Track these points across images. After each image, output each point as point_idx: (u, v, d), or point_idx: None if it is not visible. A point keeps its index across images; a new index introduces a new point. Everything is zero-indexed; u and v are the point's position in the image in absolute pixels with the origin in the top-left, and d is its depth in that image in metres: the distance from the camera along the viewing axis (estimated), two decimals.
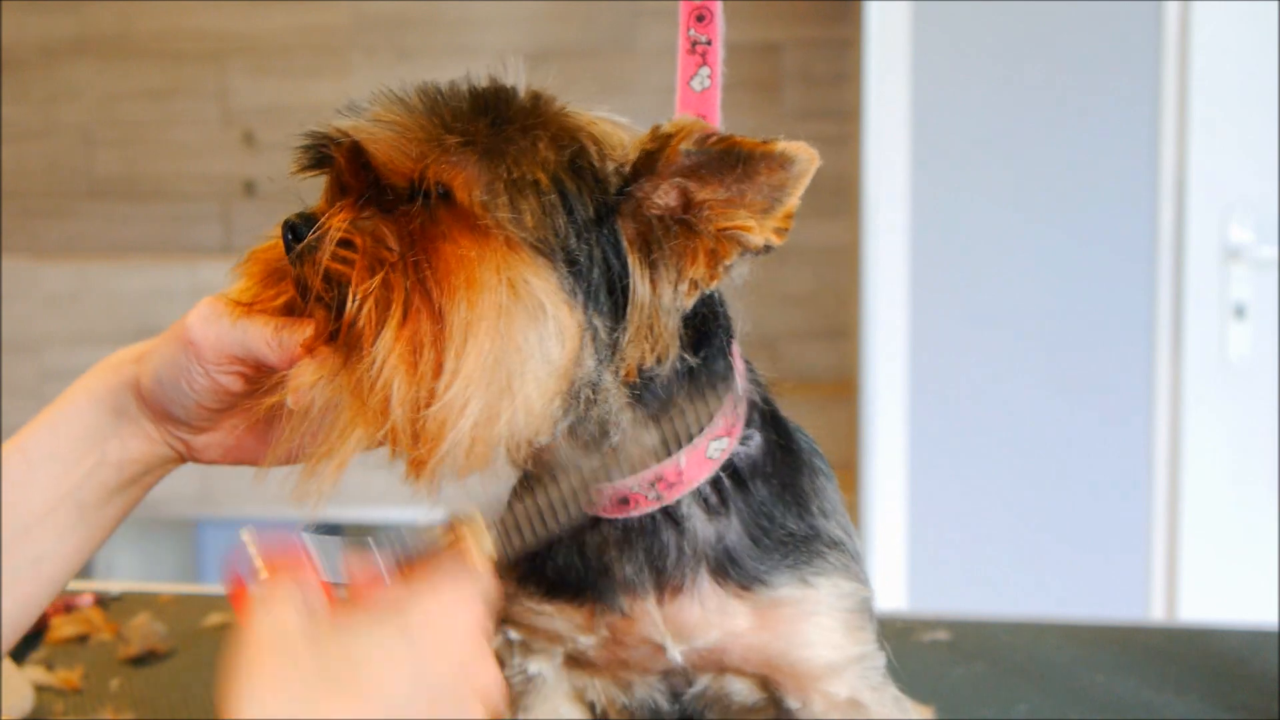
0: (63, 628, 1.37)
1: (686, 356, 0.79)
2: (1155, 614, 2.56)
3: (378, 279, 0.73)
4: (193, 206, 3.88)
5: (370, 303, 0.73)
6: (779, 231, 0.76)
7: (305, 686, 0.62)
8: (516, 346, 0.72)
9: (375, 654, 0.65)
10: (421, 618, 0.67)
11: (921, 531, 2.62)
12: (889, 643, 1.33)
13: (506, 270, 0.72)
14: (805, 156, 0.75)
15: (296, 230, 0.76)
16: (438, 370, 0.72)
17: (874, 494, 2.62)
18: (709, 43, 0.84)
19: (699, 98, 0.84)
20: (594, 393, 0.76)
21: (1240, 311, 2.50)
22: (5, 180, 3.98)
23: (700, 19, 0.84)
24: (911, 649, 1.33)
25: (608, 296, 0.75)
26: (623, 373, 0.77)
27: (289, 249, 0.77)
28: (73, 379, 0.87)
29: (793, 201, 0.75)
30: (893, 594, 2.64)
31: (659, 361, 0.78)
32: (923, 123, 2.54)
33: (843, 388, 3.38)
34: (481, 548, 0.73)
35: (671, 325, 0.77)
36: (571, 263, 0.74)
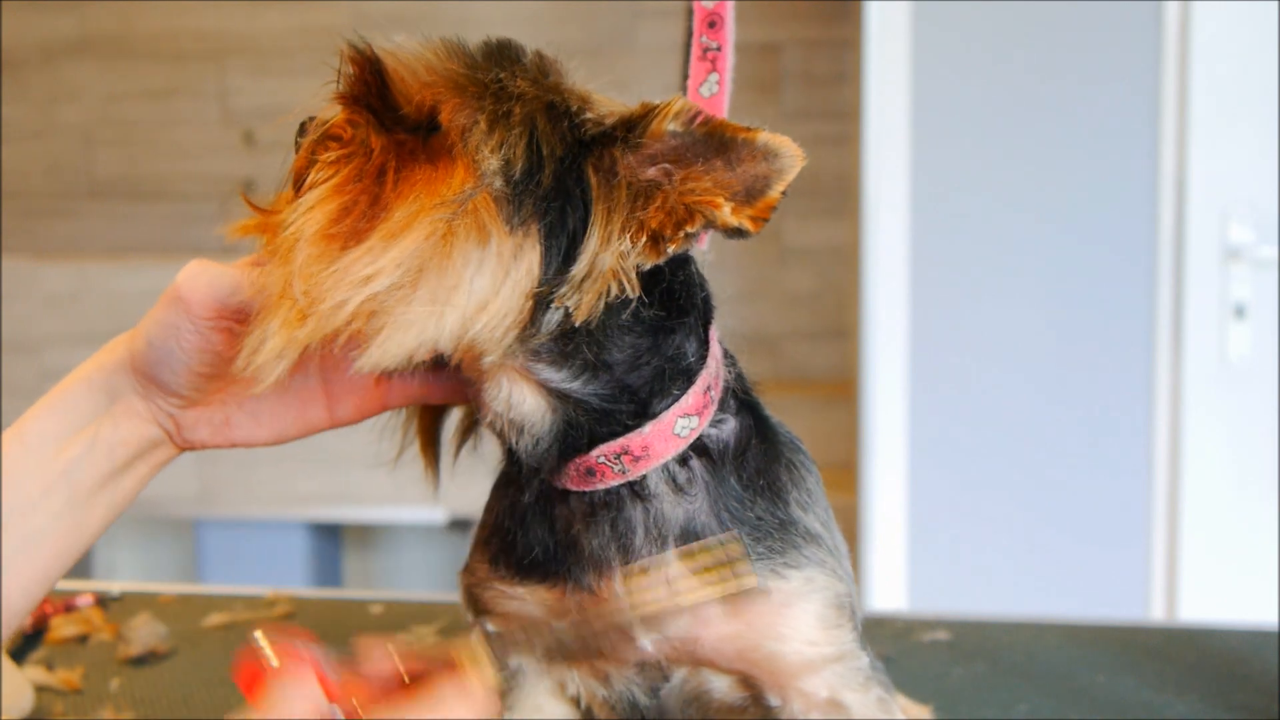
0: (63, 628, 1.37)
1: (654, 324, 0.79)
2: (1155, 614, 2.57)
3: (340, 155, 0.76)
4: (193, 206, 3.89)
5: (323, 171, 0.76)
6: (755, 220, 0.76)
7: None
8: (450, 260, 0.73)
9: None
10: None
11: (921, 531, 2.63)
12: (889, 643, 1.34)
13: (464, 193, 0.74)
14: (790, 152, 0.74)
15: (304, 129, 0.80)
16: (355, 237, 0.73)
17: (874, 494, 2.62)
18: (719, 48, 0.85)
19: (707, 103, 0.84)
20: (536, 328, 0.76)
21: (1240, 311, 2.50)
22: (5, 180, 3.98)
23: (711, 25, 0.85)
24: (911, 649, 1.33)
25: (567, 238, 0.76)
26: (576, 317, 0.76)
27: (297, 146, 0.80)
28: None
29: (775, 194, 0.75)
30: (893, 594, 2.64)
31: (607, 315, 0.77)
32: (923, 123, 2.54)
33: (843, 388, 3.38)
34: (481, 673, 0.72)
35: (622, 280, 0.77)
36: (530, 199, 0.75)
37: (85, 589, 1.46)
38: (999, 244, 2.56)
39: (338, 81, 0.80)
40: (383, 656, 0.73)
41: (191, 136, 3.93)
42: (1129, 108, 2.49)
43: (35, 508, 0.84)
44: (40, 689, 1.24)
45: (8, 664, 1.23)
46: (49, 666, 1.28)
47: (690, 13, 0.86)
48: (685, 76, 0.87)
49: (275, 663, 0.71)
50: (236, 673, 0.71)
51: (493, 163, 0.74)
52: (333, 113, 0.79)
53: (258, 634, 0.72)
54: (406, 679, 0.73)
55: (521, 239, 0.74)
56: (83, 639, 1.36)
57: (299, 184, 0.78)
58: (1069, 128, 2.51)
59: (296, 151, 0.80)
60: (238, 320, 0.81)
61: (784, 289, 3.74)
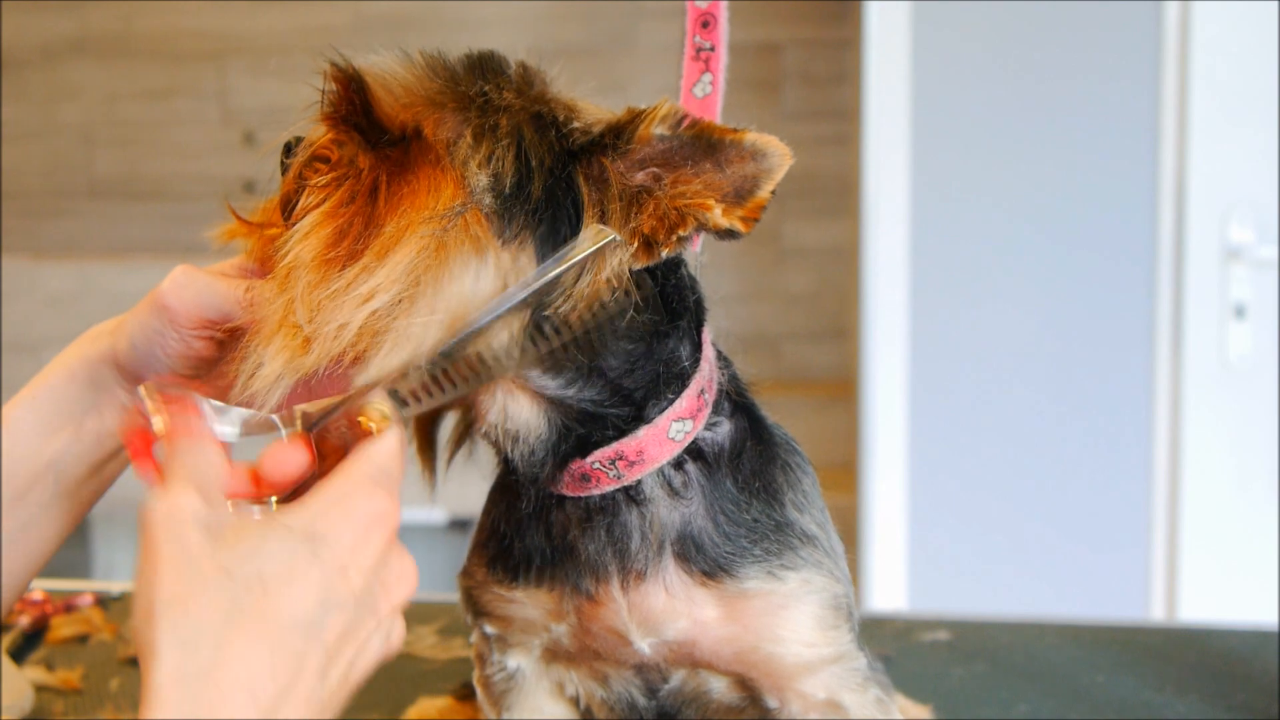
0: (63, 628, 1.37)
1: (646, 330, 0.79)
2: (1155, 614, 2.57)
3: (331, 178, 0.76)
4: (193, 206, 3.89)
5: (315, 195, 0.76)
6: (746, 221, 0.76)
7: (212, 617, 0.61)
8: (446, 270, 0.73)
9: (281, 570, 0.63)
10: (326, 519, 0.66)
11: (921, 531, 2.63)
12: (889, 643, 1.34)
13: (452, 206, 0.74)
14: (777, 151, 0.75)
15: (290, 149, 0.80)
16: (351, 257, 0.73)
17: (874, 494, 2.62)
18: (712, 49, 0.85)
19: (700, 104, 0.84)
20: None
21: (1240, 311, 2.50)
22: (5, 180, 3.99)
23: (705, 25, 0.85)
24: (911, 649, 1.34)
25: (559, 247, 0.75)
26: (571, 322, 0.76)
27: (284, 167, 0.80)
28: None
29: (764, 194, 0.75)
30: (893, 594, 2.64)
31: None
32: (923, 123, 2.54)
33: (843, 388, 3.38)
34: (385, 417, 0.72)
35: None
36: (521, 212, 0.75)
37: (85, 589, 1.46)
38: (999, 244, 2.56)
39: (322, 101, 0.79)
40: (289, 446, 0.72)
41: (191, 136, 3.94)
42: (1129, 108, 2.49)
43: (24, 498, 0.84)
44: (40, 689, 1.24)
45: (8, 664, 1.23)
46: (49, 666, 1.28)
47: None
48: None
49: (160, 423, 0.67)
50: (126, 436, 0.68)
51: (482, 179, 0.74)
52: (319, 133, 0.79)
53: (142, 388, 0.70)
54: (319, 458, 0.72)
55: (516, 250, 0.74)
56: (83, 639, 1.36)
57: (288, 208, 0.78)
58: (1069, 127, 2.51)
59: (284, 173, 0.80)
60: (223, 331, 0.81)
61: (784, 289, 3.74)
